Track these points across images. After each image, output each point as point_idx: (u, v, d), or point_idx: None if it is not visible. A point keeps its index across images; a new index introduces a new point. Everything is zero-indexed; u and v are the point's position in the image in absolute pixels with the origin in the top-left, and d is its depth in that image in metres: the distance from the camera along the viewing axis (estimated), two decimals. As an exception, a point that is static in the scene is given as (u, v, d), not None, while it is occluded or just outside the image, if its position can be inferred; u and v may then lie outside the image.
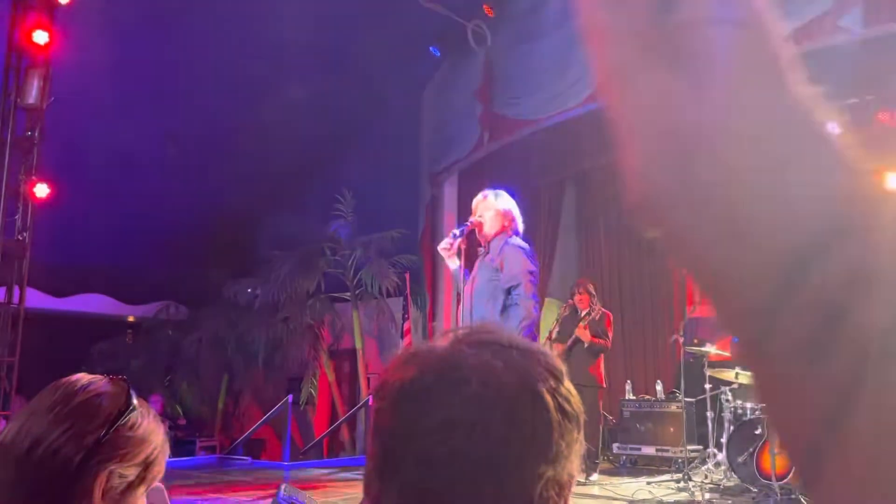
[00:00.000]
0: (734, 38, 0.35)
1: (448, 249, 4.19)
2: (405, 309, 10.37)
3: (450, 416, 0.63)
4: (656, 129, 0.36)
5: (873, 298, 0.31)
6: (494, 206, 4.21)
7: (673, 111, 0.35)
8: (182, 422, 12.14)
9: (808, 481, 0.32)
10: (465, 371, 0.65)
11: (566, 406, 0.67)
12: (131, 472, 1.01)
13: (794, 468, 0.34)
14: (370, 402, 10.70)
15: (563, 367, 0.70)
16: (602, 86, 0.38)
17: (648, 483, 6.79)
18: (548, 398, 0.65)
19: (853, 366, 0.30)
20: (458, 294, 4.20)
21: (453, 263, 4.23)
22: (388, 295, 11.02)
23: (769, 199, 0.34)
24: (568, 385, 0.69)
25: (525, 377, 0.66)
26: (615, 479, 7.07)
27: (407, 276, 10.35)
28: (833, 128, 0.36)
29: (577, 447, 0.67)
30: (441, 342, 0.70)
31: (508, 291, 4.06)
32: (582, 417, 0.69)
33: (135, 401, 1.04)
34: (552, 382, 0.67)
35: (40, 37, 8.06)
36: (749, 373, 0.35)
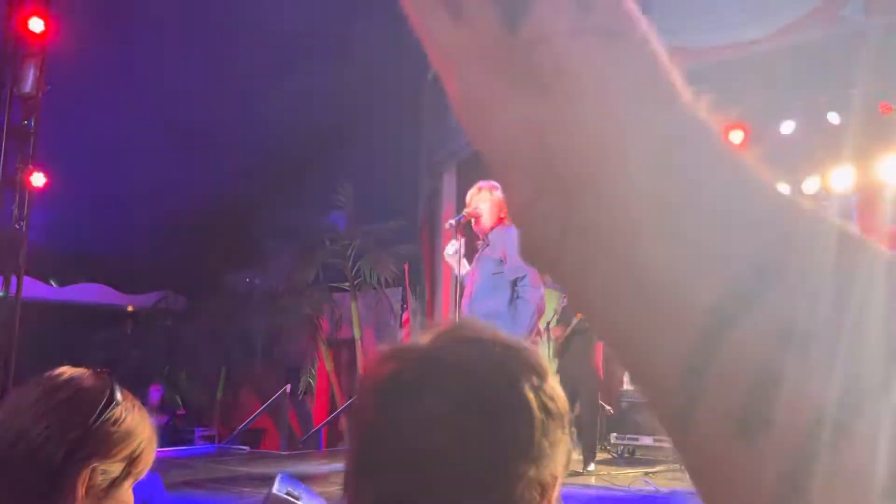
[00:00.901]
0: (602, 50, 0.29)
1: (454, 256, 4.18)
2: (404, 299, 10.37)
3: (429, 413, 0.62)
4: (527, 162, 0.30)
5: (815, 358, 0.25)
6: (490, 198, 4.19)
7: (541, 140, 0.29)
8: (181, 412, 12.15)
9: None
10: (445, 367, 0.64)
11: (550, 404, 0.65)
12: (115, 468, 0.99)
13: None
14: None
15: (547, 365, 0.69)
16: (461, 118, 0.32)
17: (646, 473, 6.81)
18: (530, 396, 0.64)
19: (798, 442, 0.25)
20: (460, 287, 4.17)
21: (463, 269, 4.23)
22: (387, 285, 11.02)
23: (672, 240, 0.27)
24: (553, 383, 0.67)
25: (507, 374, 0.65)
26: (613, 470, 7.09)
27: (406, 266, 10.34)
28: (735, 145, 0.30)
29: (562, 447, 0.66)
30: (423, 339, 0.68)
31: (514, 283, 4.01)
32: (567, 417, 0.67)
33: (118, 395, 1.02)
34: (535, 380, 0.65)
35: (36, 25, 8.02)
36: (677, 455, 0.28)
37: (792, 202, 0.28)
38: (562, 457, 0.66)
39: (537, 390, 0.65)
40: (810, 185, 9.13)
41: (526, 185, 0.30)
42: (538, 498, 0.64)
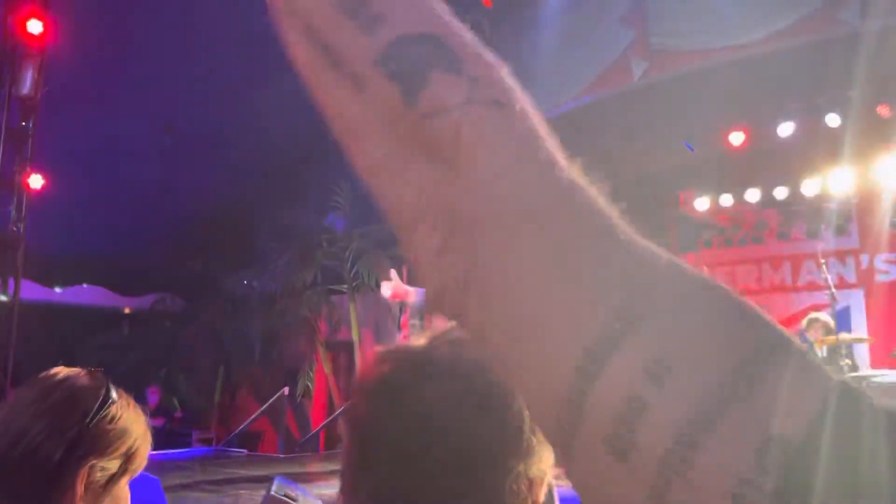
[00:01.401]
0: (491, 118, 0.33)
1: (396, 296, 4.12)
2: (402, 301, 10.35)
3: (423, 411, 0.65)
4: (433, 217, 0.34)
5: (671, 388, 0.29)
6: None
7: (436, 202, 0.33)
8: (178, 414, 12.13)
9: None
10: (438, 367, 0.67)
11: None
12: (113, 465, 1.01)
13: None
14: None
15: None
16: (367, 183, 0.36)
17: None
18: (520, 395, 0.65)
19: (660, 463, 0.28)
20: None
21: (415, 295, 4.21)
22: (386, 287, 11.00)
23: (545, 293, 0.31)
24: None
25: (497, 374, 0.66)
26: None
27: (405, 268, 10.32)
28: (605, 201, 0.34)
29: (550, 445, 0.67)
30: (418, 341, 0.71)
31: None
32: None
33: (113, 394, 1.04)
34: None
35: (34, 26, 8.01)
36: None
37: (652, 255, 0.32)
38: (550, 454, 0.68)
39: None
40: (809, 187, 9.14)
41: (433, 237, 0.33)
42: (526, 492, 0.66)
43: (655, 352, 0.29)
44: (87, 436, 0.98)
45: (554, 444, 0.32)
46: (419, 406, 0.65)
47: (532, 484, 0.67)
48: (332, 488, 5.68)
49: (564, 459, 0.32)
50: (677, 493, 0.28)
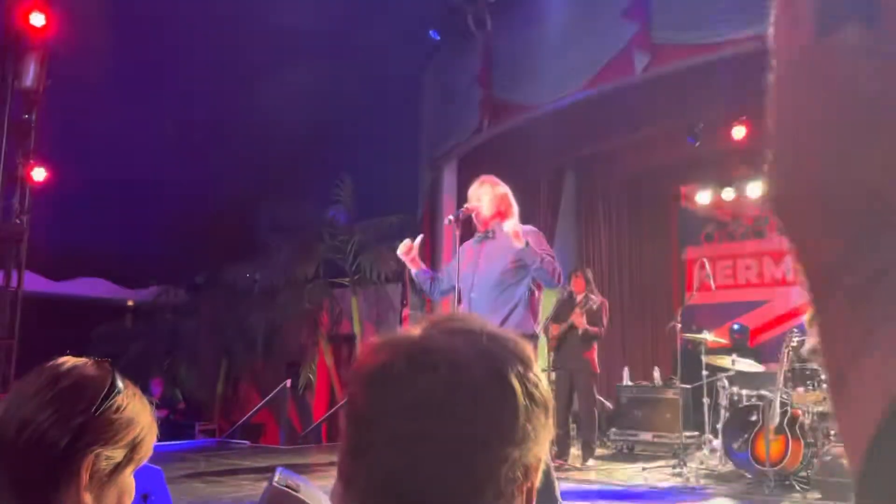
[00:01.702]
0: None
1: (407, 255, 4.20)
2: (403, 295, 10.37)
3: (418, 398, 0.66)
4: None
5: None
6: (492, 191, 4.21)
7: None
8: (181, 406, 12.17)
9: (832, 399, 0.40)
10: (434, 356, 0.67)
11: (534, 391, 0.69)
12: (118, 454, 1.01)
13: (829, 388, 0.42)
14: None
15: (532, 354, 0.72)
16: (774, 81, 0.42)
17: (644, 469, 6.83)
18: (515, 383, 0.67)
19: (881, 313, 0.37)
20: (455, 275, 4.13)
21: (414, 267, 4.26)
22: (387, 281, 11.02)
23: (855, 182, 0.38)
24: (537, 371, 0.71)
25: (493, 362, 0.68)
26: (612, 465, 7.12)
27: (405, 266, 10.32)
28: None
29: (545, 432, 0.69)
30: (414, 330, 0.72)
31: (529, 272, 4.02)
32: (551, 404, 0.71)
33: (119, 383, 1.04)
34: (520, 368, 0.69)
35: (37, 19, 8.02)
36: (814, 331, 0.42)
37: None
38: (545, 441, 0.69)
39: (522, 378, 0.68)
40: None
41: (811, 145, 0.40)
42: (521, 479, 0.67)
43: None
44: (92, 424, 0.99)
45: (814, 300, 0.40)
46: (414, 394, 0.65)
47: (528, 470, 0.68)
48: (333, 479, 5.71)
49: (818, 312, 0.40)
50: (884, 335, 0.37)
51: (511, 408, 0.66)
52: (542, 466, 0.70)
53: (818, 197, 0.40)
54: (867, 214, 0.38)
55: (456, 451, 0.65)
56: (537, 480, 0.70)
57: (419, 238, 4.29)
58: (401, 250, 4.24)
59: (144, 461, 1.07)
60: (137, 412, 1.05)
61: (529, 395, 0.68)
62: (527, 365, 0.70)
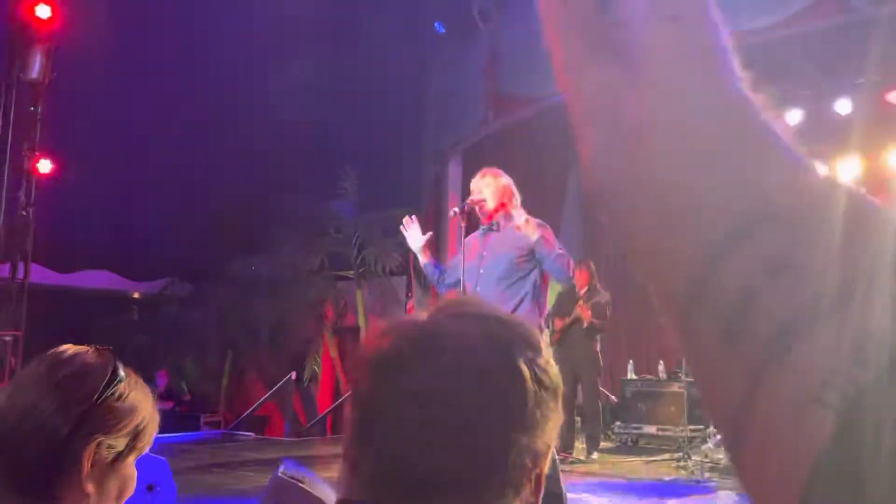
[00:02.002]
0: (666, 33, 0.37)
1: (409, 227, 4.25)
2: (408, 287, 10.39)
3: (426, 384, 0.65)
4: (601, 121, 0.38)
5: (785, 283, 0.32)
6: (494, 183, 4.20)
7: (614, 105, 0.37)
8: (186, 397, 12.22)
9: (731, 458, 0.34)
10: (442, 340, 0.66)
11: (543, 377, 0.68)
12: (120, 443, 1.01)
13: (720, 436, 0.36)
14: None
15: (541, 340, 0.71)
16: (558, 79, 0.41)
17: (649, 462, 6.84)
18: (524, 368, 0.66)
19: (762, 347, 0.32)
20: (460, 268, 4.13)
21: (422, 258, 4.28)
22: (392, 273, 11.03)
23: (697, 189, 0.35)
24: (547, 357, 0.70)
25: (502, 347, 0.67)
26: (616, 458, 7.13)
27: (410, 255, 10.34)
28: (778, 120, 0.37)
29: (555, 418, 0.69)
30: (421, 314, 0.71)
31: (537, 264, 4.02)
32: (560, 389, 0.70)
33: (121, 371, 1.04)
34: (529, 353, 0.68)
35: (43, 11, 8.02)
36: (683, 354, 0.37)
37: (800, 168, 0.35)
38: (554, 428, 0.69)
39: (531, 363, 0.67)
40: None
41: (599, 138, 0.38)
42: (530, 465, 0.66)
43: (777, 249, 0.33)
44: (94, 412, 0.98)
45: (674, 325, 0.36)
46: (420, 379, 0.65)
47: (537, 457, 0.67)
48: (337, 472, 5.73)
49: (683, 340, 0.36)
50: (774, 376, 0.31)
51: (519, 393, 0.65)
52: (550, 453, 0.70)
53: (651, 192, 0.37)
54: (736, 209, 0.35)
55: (463, 437, 0.64)
56: (546, 467, 0.69)
57: (428, 235, 4.30)
58: (405, 228, 4.27)
59: (146, 450, 1.07)
60: (139, 400, 1.05)
61: (538, 381, 0.67)
62: (536, 350, 0.69)
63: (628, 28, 0.37)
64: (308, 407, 11.76)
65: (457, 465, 0.64)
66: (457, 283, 4.37)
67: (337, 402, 11.33)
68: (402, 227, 4.37)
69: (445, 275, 4.39)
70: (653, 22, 0.37)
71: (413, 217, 4.36)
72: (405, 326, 0.70)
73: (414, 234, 4.30)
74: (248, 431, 10.20)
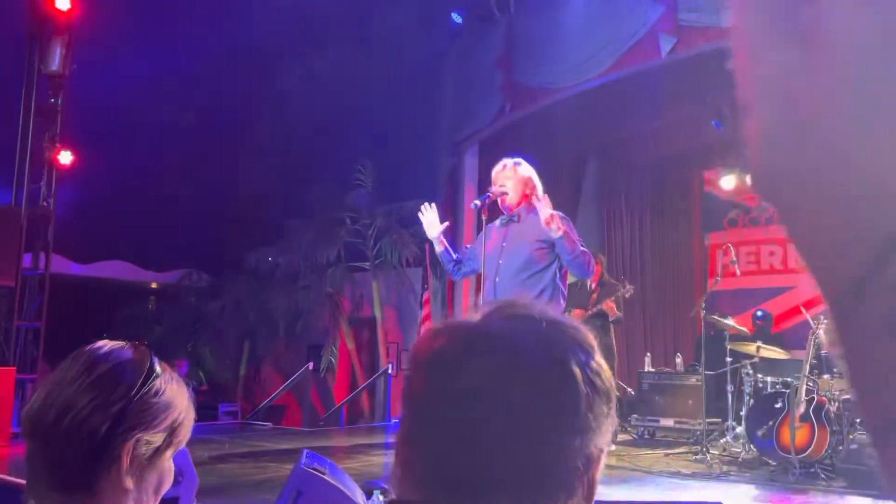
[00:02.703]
0: (860, 15, 0.36)
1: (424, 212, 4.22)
2: (424, 279, 10.39)
3: (477, 384, 0.64)
4: (774, 103, 0.38)
5: None
6: (515, 175, 4.18)
7: (793, 87, 0.37)
8: (204, 387, 12.32)
9: (883, 458, 0.34)
10: (493, 341, 0.66)
11: (596, 380, 0.67)
12: (158, 438, 1.02)
13: (872, 439, 0.36)
14: (391, 371, 10.79)
15: (594, 342, 0.71)
16: (736, 59, 0.41)
17: (666, 455, 6.81)
18: (576, 371, 0.66)
19: None
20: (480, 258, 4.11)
21: (438, 246, 4.27)
22: (408, 265, 11.04)
23: (871, 182, 0.34)
24: (599, 360, 0.69)
25: (553, 349, 0.67)
26: (633, 450, 7.10)
27: (427, 246, 10.34)
28: None
29: (608, 422, 0.68)
30: (473, 315, 0.71)
31: (557, 257, 4.00)
32: (613, 393, 0.70)
33: (157, 367, 1.05)
34: (582, 356, 0.67)
35: (62, 3, 8.07)
36: (836, 347, 0.37)
37: None
38: (607, 431, 0.68)
39: (584, 366, 0.67)
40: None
41: (772, 120, 0.38)
42: (582, 469, 0.66)
43: None
44: (132, 409, 0.99)
45: (835, 315, 0.36)
46: (473, 380, 0.64)
47: (589, 460, 0.66)
48: (355, 462, 5.76)
49: (841, 333, 0.36)
50: None
51: (571, 395, 0.65)
52: (603, 458, 0.69)
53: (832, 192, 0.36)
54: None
55: (513, 439, 0.63)
56: (599, 472, 0.68)
57: (445, 224, 4.28)
58: (423, 214, 4.25)
59: (183, 444, 1.08)
60: (175, 395, 1.06)
61: (591, 384, 0.66)
62: (588, 352, 0.68)
63: (814, 11, 0.36)
64: (325, 397, 11.82)
65: (507, 467, 0.63)
66: (473, 272, 4.36)
67: (353, 394, 11.38)
68: (419, 213, 4.34)
69: (462, 264, 4.37)
70: (847, 2, 0.36)
71: (431, 204, 4.33)
72: (457, 327, 0.70)
73: (431, 221, 4.27)
74: (266, 421, 10.27)
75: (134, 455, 0.99)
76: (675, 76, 8.26)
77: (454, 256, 4.37)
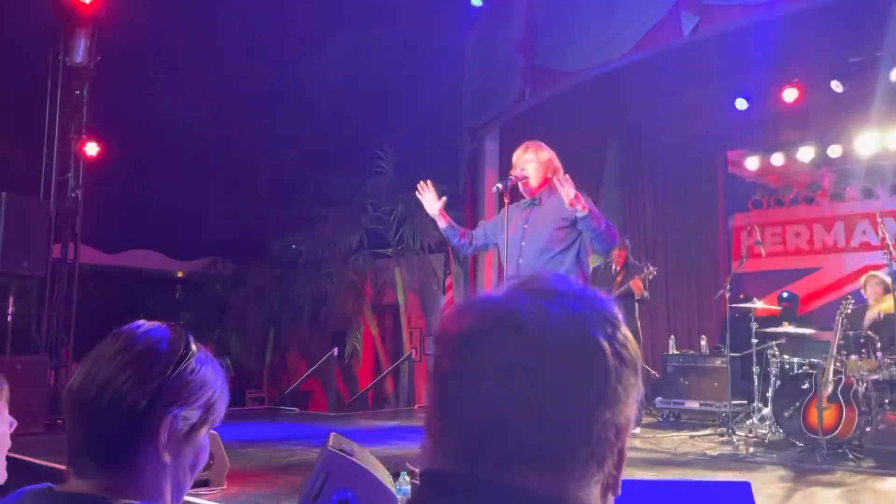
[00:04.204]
0: None
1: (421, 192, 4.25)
2: (447, 265, 10.41)
3: (507, 361, 0.65)
4: None
5: None
6: (536, 158, 4.17)
7: None
8: (231, 374, 12.45)
9: None
10: (522, 317, 0.67)
11: (623, 352, 0.68)
12: (194, 415, 1.06)
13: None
14: (414, 356, 10.85)
15: (619, 314, 0.71)
16: None
17: (692, 437, 6.80)
18: (604, 344, 0.67)
19: None
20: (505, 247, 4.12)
21: (441, 222, 4.30)
22: (430, 251, 11.06)
23: None
24: (625, 331, 0.70)
25: (581, 323, 0.67)
26: (658, 433, 7.10)
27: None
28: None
29: (634, 392, 0.69)
30: (498, 291, 0.71)
31: (578, 238, 4.01)
32: (640, 363, 0.71)
33: (193, 346, 1.08)
34: (608, 329, 0.68)
35: (85, -4, 8.13)
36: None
37: None
38: (634, 401, 0.69)
39: (611, 338, 0.68)
40: (864, 145, 8.84)
41: None
42: (613, 439, 0.67)
43: None
44: (169, 385, 1.02)
45: None
46: (502, 357, 0.65)
47: (619, 430, 0.68)
48: (381, 444, 5.82)
49: None
50: None
51: (600, 368, 0.66)
52: (631, 427, 0.70)
53: None
54: None
55: (545, 413, 0.64)
56: (627, 440, 0.70)
57: (443, 199, 4.32)
58: (420, 193, 4.29)
59: (218, 422, 1.11)
60: (211, 374, 1.09)
61: (618, 356, 0.67)
62: (614, 325, 0.69)
63: None
64: (349, 382, 11.93)
65: (540, 441, 0.64)
66: (485, 247, 4.40)
67: (378, 378, 11.47)
68: (417, 192, 4.39)
69: (472, 237, 4.39)
70: None
71: (428, 182, 4.36)
72: (484, 303, 0.70)
73: (429, 200, 4.32)
74: (293, 406, 10.40)
75: (171, 430, 1.02)
76: (698, 56, 8.17)
77: (459, 229, 4.40)
